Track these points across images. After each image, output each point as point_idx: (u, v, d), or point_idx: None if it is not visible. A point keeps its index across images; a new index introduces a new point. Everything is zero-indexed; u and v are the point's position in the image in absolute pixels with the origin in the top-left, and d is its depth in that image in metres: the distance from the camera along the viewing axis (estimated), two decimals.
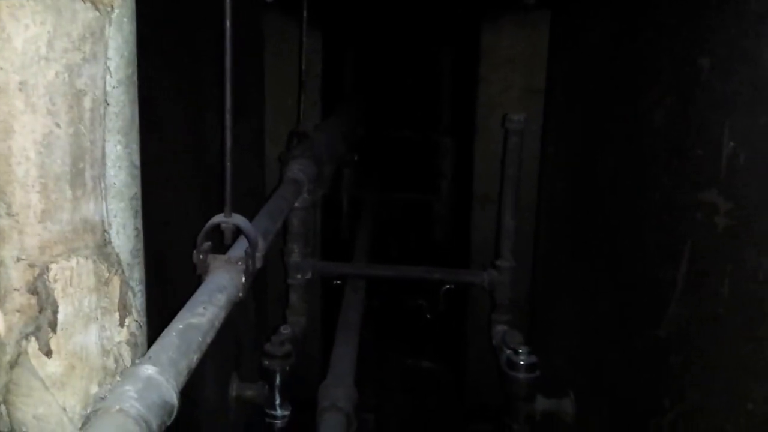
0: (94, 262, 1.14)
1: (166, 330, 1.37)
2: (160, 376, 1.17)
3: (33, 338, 1.07)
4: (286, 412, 2.99)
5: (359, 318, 3.65)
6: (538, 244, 3.98)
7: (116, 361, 1.20)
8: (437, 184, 7.51)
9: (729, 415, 1.71)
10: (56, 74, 1.04)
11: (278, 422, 2.98)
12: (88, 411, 1.12)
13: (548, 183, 3.80)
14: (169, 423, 1.17)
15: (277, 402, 2.95)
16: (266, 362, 2.92)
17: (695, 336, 1.91)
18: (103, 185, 1.17)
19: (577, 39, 3.37)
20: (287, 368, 2.93)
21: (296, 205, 3.11)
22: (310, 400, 2.92)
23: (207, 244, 1.80)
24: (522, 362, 2.85)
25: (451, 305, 6.67)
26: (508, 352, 2.90)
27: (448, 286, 6.77)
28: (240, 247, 1.87)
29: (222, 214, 1.84)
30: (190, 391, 2.47)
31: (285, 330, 3.06)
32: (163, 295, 2.19)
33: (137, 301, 1.29)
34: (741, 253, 1.66)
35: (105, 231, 1.18)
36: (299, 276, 3.33)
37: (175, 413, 1.18)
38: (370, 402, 4.84)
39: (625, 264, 2.47)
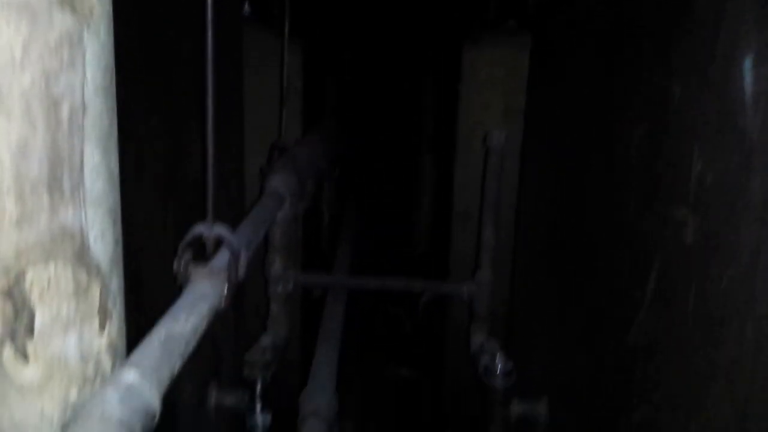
0: (73, 268, 1.14)
1: (147, 337, 1.37)
2: (142, 383, 1.16)
3: (9, 343, 1.06)
4: (267, 419, 2.98)
5: (340, 328, 3.65)
6: (516, 258, 4.02)
7: (96, 367, 1.20)
8: (417, 201, 7.55)
9: (691, 414, 1.77)
10: (32, 80, 1.04)
11: (259, 429, 2.98)
12: (68, 418, 1.11)
13: (527, 199, 3.85)
14: (151, 429, 1.16)
15: (258, 409, 2.95)
16: (247, 371, 2.92)
17: (661, 344, 1.98)
18: (81, 192, 1.17)
19: (556, 62, 3.43)
20: (268, 376, 2.93)
21: (278, 217, 3.12)
22: (291, 409, 2.92)
23: (188, 254, 1.80)
24: (499, 369, 2.91)
25: (430, 316, 6.71)
26: (486, 359, 2.95)
27: (427, 297, 6.81)
28: (222, 257, 1.86)
29: (203, 224, 1.83)
30: (169, 399, 2.46)
31: (265, 339, 3.06)
32: (140, 307, 2.19)
33: (117, 308, 1.29)
34: (706, 266, 1.73)
35: (84, 238, 1.17)
36: (280, 287, 3.33)
37: (157, 420, 1.18)
38: (350, 410, 4.84)
39: (598, 277, 2.53)
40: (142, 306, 2.16)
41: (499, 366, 2.90)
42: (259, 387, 2.93)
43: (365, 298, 6.79)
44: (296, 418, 2.89)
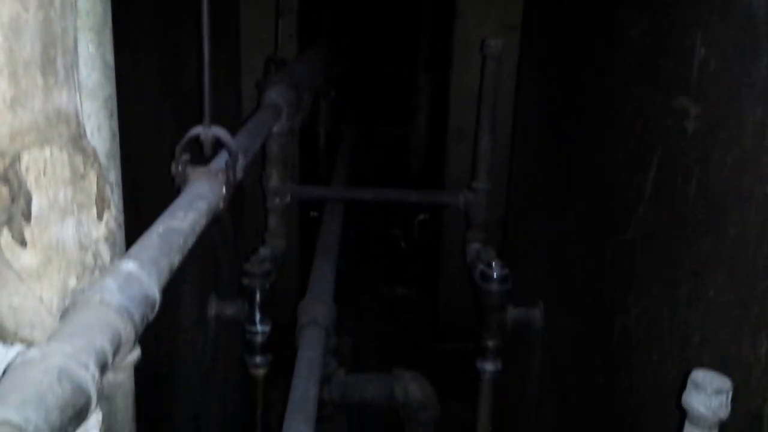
0: (69, 153, 1.11)
1: (146, 233, 1.35)
2: (141, 272, 1.15)
3: (6, 228, 1.04)
4: (266, 328, 3.00)
5: (337, 241, 3.66)
6: (513, 164, 4.01)
7: (94, 257, 1.18)
8: (414, 119, 7.52)
9: (692, 303, 1.78)
10: None
11: (258, 338, 3.00)
12: (67, 303, 1.10)
13: (524, 106, 3.82)
14: (151, 318, 1.15)
15: (257, 318, 2.96)
16: (246, 281, 2.92)
17: (660, 236, 1.98)
18: (75, 76, 1.13)
19: None
20: (267, 286, 2.94)
21: (275, 130, 3.11)
22: (289, 325, 2.94)
23: (186, 156, 1.77)
24: (495, 274, 2.94)
25: (425, 235, 6.76)
26: (482, 266, 2.97)
27: (422, 216, 6.86)
28: (220, 161, 1.84)
29: (201, 126, 1.80)
30: (168, 310, 2.47)
31: (264, 250, 3.06)
32: (138, 215, 2.17)
33: (115, 199, 1.27)
34: (708, 152, 1.72)
35: (79, 123, 1.14)
36: (278, 200, 3.32)
37: (157, 309, 1.17)
38: (348, 326, 4.90)
39: (597, 173, 2.52)
40: (140, 210, 2.14)
41: (495, 272, 2.91)
42: (258, 297, 2.94)
43: (361, 220, 6.82)
44: (295, 329, 2.92)
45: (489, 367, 3.07)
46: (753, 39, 1.54)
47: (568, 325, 2.76)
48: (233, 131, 3.50)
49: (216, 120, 1.81)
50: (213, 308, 3.02)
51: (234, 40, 4.11)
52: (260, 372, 3.16)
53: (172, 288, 1.34)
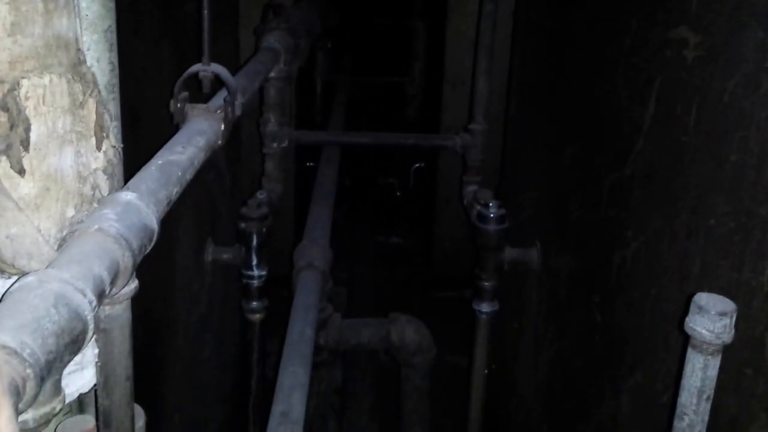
0: (68, 81, 1.10)
1: (145, 166, 1.34)
2: (139, 202, 1.14)
3: (4, 157, 1.03)
4: (263, 273, 3.01)
5: (333, 186, 3.66)
6: (509, 106, 3.99)
7: (93, 188, 1.17)
8: (410, 67, 7.48)
9: (692, 233, 1.77)
10: None
11: (255, 282, 3.01)
12: (65, 233, 1.10)
13: (519, 48, 3.78)
14: (149, 248, 1.15)
15: (254, 263, 2.96)
16: (243, 225, 2.92)
17: (660, 167, 1.97)
18: (75, 1, 1.12)
19: None
20: (264, 230, 2.94)
21: (272, 75, 3.10)
22: (285, 275, 2.95)
23: (185, 93, 1.76)
24: (492, 215, 2.93)
25: (420, 183, 6.75)
26: (479, 207, 2.97)
27: (418, 165, 6.84)
28: (218, 99, 1.84)
29: (200, 63, 1.79)
30: (165, 254, 2.47)
31: (261, 195, 3.06)
32: (137, 148, 2.15)
33: (114, 131, 1.25)
34: (708, 80, 1.71)
35: (79, 49, 1.13)
36: (275, 144, 3.32)
37: (155, 239, 1.16)
38: (344, 276, 4.91)
39: (595, 109, 2.50)
40: (139, 145, 2.13)
41: (492, 212, 2.90)
42: (255, 241, 2.94)
43: (357, 169, 6.81)
44: (291, 273, 2.93)
45: (486, 308, 3.09)
46: None
47: (565, 263, 2.76)
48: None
49: (214, 57, 1.80)
50: (210, 253, 3.02)
51: None
52: (257, 317, 3.18)
53: (169, 230, 1.33)
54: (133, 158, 1.44)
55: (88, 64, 1.21)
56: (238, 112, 1.82)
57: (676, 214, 1.85)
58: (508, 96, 3.99)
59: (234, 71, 3.80)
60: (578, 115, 2.68)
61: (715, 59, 1.69)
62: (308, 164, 5.20)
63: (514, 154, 3.81)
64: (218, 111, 1.75)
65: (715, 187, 1.67)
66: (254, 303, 3.10)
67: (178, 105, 1.75)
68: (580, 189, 2.61)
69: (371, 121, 7.89)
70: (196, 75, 1.80)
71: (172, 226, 2.49)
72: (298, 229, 3.98)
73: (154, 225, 1.15)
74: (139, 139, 2.22)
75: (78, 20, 1.13)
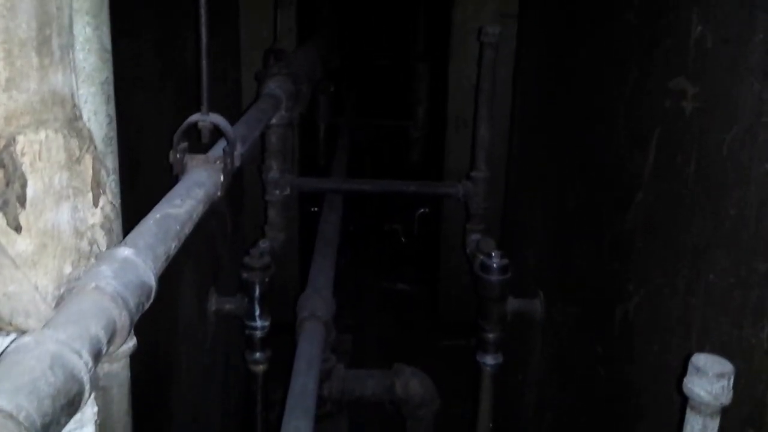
0: (65, 136, 1.09)
1: (143, 220, 1.33)
2: (137, 258, 1.13)
3: (0, 213, 1.02)
4: (266, 323, 2.97)
5: (337, 234, 3.64)
6: (511, 154, 4.00)
7: (90, 243, 1.16)
8: (413, 110, 7.52)
9: (692, 288, 1.76)
10: None
11: (258, 333, 2.97)
12: (62, 290, 1.08)
13: (522, 94, 3.81)
14: (147, 305, 1.13)
15: (257, 313, 2.93)
16: (245, 274, 2.90)
17: (660, 220, 1.97)
18: (71, 56, 1.11)
19: None
20: (266, 280, 2.91)
21: (274, 121, 3.10)
22: (289, 323, 2.92)
23: (184, 144, 1.75)
24: (495, 265, 2.92)
25: (425, 228, 6.74)
26: (482, 257, 2.95)
27: (422, 210, 6.85)
28: (218, 149, 1.82)
29: (199, 113, 1.78)
30: (167, 305, 2.45)
31: (264, 244, 3.04)
32: (136, 200, 2.14)
33: (111, 185, 1.24)
34: (706, 132, 1.71)
35: (75, 105, 1.12)
36: (277, 192, 3.30)
37: (153, 296, 1.14)
38: (348, 322, 4.87)
39: (596, 160, 2.50)
40: (140, 203, 2.11)
41: (495, 262, 2.88)
42: (257, 291, 2.91)
43: (361, 214, 6.80)
44: (295, 323, 2.89)
45: (490, 360, 3.04)
46: (748, 13, 1.53)
47: (568, 315, 2.75)
48: (232, 123, 3.50)
49: (214, 108, 1.79)
50: (212, 303, 2.99)
51: (233, 32, 4.09)
52: (260, 368, 3.14)
53: (170, 282, 1.31)
54: (133, 207, 1.43)
55: (85, 117, 1.20)
56: (237, 163, 1.81)
57: (676, 268, 1.84)
58: (510, 141, 4.00)
59: (236, 114, 3.83)
60: (579, 163, 2.68)
61: (712, 111, 1.69)
62: (312, 209, 5.20)
63: (516, 202, 3.81)
64: (217, 162, 1.74)
65: (715, 241, 1.66)
66: (257, 354, 3.06)
67: (178, 155, 1.74)
68: (582, 239, 2.61)
69: (375, 164, 7.90)
70: (195, 125, 1.79)
71: (173, 276, 2.48)
72: (302, 275, 3.95)
73: (152, 282, 1.13)
74: (140, 188, 2.22)
75: (74, 75, 1.12)
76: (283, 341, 3.25)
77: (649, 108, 2.04)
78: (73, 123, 1.11)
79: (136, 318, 1.09)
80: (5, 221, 1.03)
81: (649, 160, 2.01)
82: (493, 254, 2.91)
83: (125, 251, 1.13)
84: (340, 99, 7.09)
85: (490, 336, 2.96)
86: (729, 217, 1.59)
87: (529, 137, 3.60)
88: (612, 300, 2.25)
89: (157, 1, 2.58)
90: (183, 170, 1.74)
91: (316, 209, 4.72)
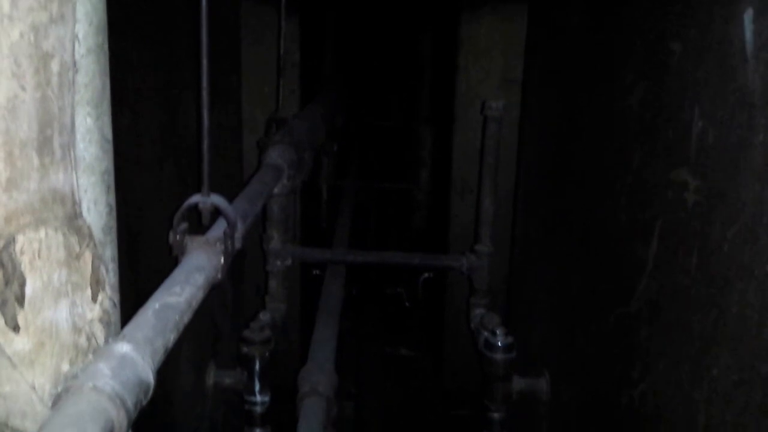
0: (64, 234, 1.09)
1: (141, 309, 1.32)
2: (135, 354, 1.12)
3: None
4: (266, 399, 2.94)
5: (339, 304, 3.61)
6: (516, 229, 3.99)
7: (88, 339, 1.15)
8: (417, 173, 7.54)
9: (696, 382, 1.74)
10: (21, 34, 0.99)
11: (258, 409, 2.94)
12: (59, 389, 1.07)
13: (526, 168, 3.82)
14: (145, 402, 1.12)
15: (257, 388, 2.90)
16: (245, 348, 2.87)
17: (663, 309, 1.95)
18: (72, 154, 1.12)
19: (553, 29, 3.40)
20: (267, 354, 2.89)
21: (276, 191, 3.08)
22: (290, 388, 2.88)
23: (184, 225, 1.75)
24: (499, 343, 2.90)
25: (429, 293, 6.71)
26: (486, 334, 2.93)
27: (426, 275, 6.82)
28: (218, 229, 1.82)
29: (199, 194, 1.78)
30: (165, 379, 2.42)
31: (264, 316, 3.02)
32: (137, 278, 2.14)
33: (110, 278, 1.24)
34: (708, 226, 1.71)
35: (75, 202, 1.12)
36: (279, 262, 3.29)
37: (151, 392, 1.14)
38: (350, 390, 4.82)
39: (599, 243, 2.50)
40: (140, 282, 2.11)
41: (500, 340, 2.86)
42: (257, 366, 2.88)
43: (364, 279, 6.77)
44: (295, 397, 2.86)
45: None
46: (749, 114, 1.54)
47: (574, 396, 2.71)
48: (233, 189, 3.51)
49: (216, 177, 1.80)
50: (211, 377, 2.96)
51: (235, 95, 4.12)
52: None
53: (169, 356, 1.30)
54: (133, 287, 1.42)
55: (85, 207, 1.20)
56: (238, 245, 1.81)
57: (681, 360, 1.83)
58: (515, 214, 4.00)
59: (237, 177, 3.84)
60: (584, 243, 2.67)
61: (714, 206, 1.69)
62: (315, 272, 5.18)
63: (521, 277, 3.79)
64: (218, 244, 1.73)
65: (718, 337, 1.65)
66: (257, 430, 3.01)
67: (177, 237, 1.74)
68: (587, 320, 2.59)
69: (378, 228, 7.90)
70: (195, 206, 1.79)
71: (172, 350, 2.45)
72: (304, 339, 3.92)
73: (150, 379, 1.12)
74: (140, 267, 2.22)
75: (75, 171, 1.13)
76: (285, 410, 3.20)
77: (651, 196, 2.05)
78: (73, 221, 1.11)
79: (135, 416, 1.08)
80: (3, 321, 1.02)
81: (652, 248, 2.01)
82: (498, 331, 2.89)
83: (123, 347, 1.12)
84: (344, 159, 7.12)
85: (496, 416, 2.93)
86: (732, 314, 1.58)
87: (533, 213, 3.60)
88: (617, 385, 2.23)
89: (158, 77, 2.61)
90: (182, 252, 1.74)
91: (318, 272, 4.70)
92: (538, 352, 3.19)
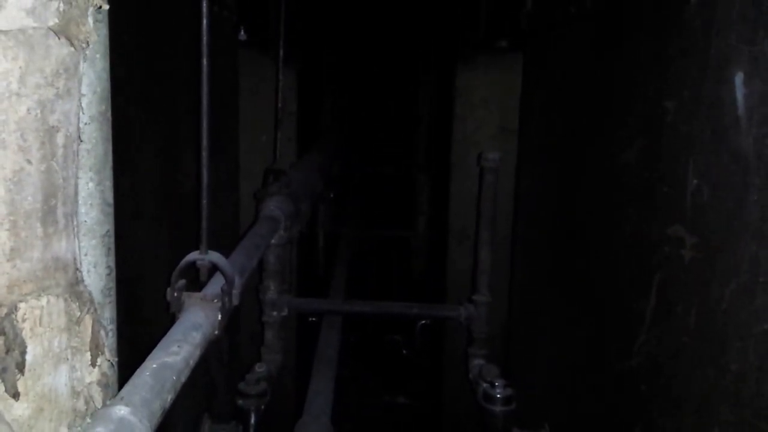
0: (66, 300, 1.11)
1: (139, 370, 1.34)
2: (133, 417, 1.14)
3: None
4: None
5: (336, 354, 3.61)
6: (513, 279, 3.99)
7: (87, 402, 1.17)
8: (414, 220, 7.57)
9: None
10: (28, 110, 1.02)
11: None
12: None
13: (523, 217, 3.83)
14: None
15: None
16: (240, 401, 2.87)
17: (663, 365, 1.96)
18: (75, 222, 1.15)
19: (549, 81, 3.42)
20: (262, 407, 2.88)
21: (272, 242, 3.09)
22: None
23: (181, 282, 1.77)
24: (498, 395, 2.88)
25: (427, 340, 6.68)
26: (485, 385, 2.92)
27: (424, 322, 6.79)
28: (216, 285, 1.83)
29: (197, 252, 1.80)
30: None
31: (260, 368, 3.02)
32: (135, 334, 2.16)
33: (109, 340, 1.26)
34: (706, 284, 1.72)
35: (77, 269, 1.15)
36: (275, 313, 3.29)
37: None
38: None
39: (598, 296, 2.50)
40: (139, 337, 2.13)
41: (498, 392, 2.85)
42: (253, 419, 2.88)
43: (361, 326, 6.75)
44: None
45: None
46: (743, 174, 1.57)
47: None
48: (230, 237, 3.52)
49: (213, 225, 1.82)
50: (206, 430, 2.95)
51: (233, 144, 4.16)
52: None
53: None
54: (133, 341, 1.44)
55: (85, 269, 1.23)
56: (235, 302, 1.83)
57: (682, 416, 1.83)
58: (512, 264, 4.00)
59: (234, 226, 3.84)
60: (582, 296, 2.68)
61: (711, 264, 1.70)
62: (311, 319, 5.17)
63: (520, 327, 3.77)
64: (215, 300, 1.75)
65: (718, 394, 1.66)
66: None
67: (175, 294, 1.75)
68: (588, 372, 2.58)
69: (376, 275, 7.89)
70: (193, 263, 1.82)
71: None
72: (300, 394, 3.90)
73: None
74: (138, 322, 2.23)
75: (77, 239, 1.16)
76: None
77: (649, 251, 2.06)
78: (74, 287, 1.13)
79: None
80: (3, 388, 1.04)
81: (651, 303, 2.02)
82: (497, 383, 2.87)
83: (121, 410, 1.14)
84: (341, 206, 7.14)
85: None
86: (730, 371, 1.60)
87: (531, 263, 3.60)
88: None
89: (158, 135, 2.65)
90: (180, 309, 1.75)
91: (314, 319, 4.69)
92: (538, 403, 3.17)
